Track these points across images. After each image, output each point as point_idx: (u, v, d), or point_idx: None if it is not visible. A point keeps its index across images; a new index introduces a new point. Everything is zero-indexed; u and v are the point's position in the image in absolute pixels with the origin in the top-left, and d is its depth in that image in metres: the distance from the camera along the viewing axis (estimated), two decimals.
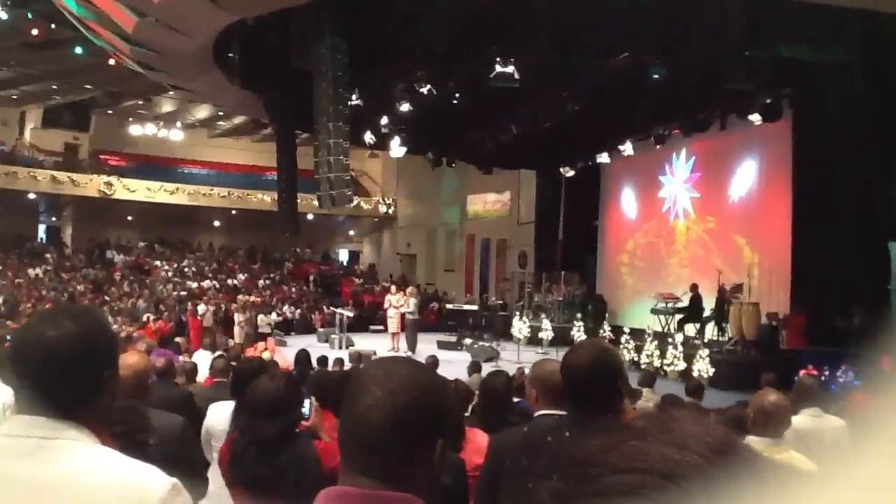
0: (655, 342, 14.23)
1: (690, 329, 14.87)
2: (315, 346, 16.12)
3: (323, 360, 10.14)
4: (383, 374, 1.26)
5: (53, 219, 29.57)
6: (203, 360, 9.46)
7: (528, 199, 23.14)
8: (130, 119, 29.25)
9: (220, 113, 26.70)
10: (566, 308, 18.81)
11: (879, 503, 0.51)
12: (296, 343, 16.76)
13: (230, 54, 12.86)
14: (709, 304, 14.72)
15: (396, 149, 17.14)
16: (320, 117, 10.78)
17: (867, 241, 11.46)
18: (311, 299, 26.29)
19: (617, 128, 16.36)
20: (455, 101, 14.10)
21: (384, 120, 15.54)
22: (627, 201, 19.96)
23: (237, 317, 19.90)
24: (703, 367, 12.68)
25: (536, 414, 2.64)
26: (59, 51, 19.97)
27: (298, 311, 24.35)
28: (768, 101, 13.06)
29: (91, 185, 26.31)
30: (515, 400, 4.92)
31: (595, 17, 10.27)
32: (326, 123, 10.62)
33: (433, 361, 10.02)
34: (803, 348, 12.12)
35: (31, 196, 26.20)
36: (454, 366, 10.85)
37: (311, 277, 29.02)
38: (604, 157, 17.72)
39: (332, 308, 22.07)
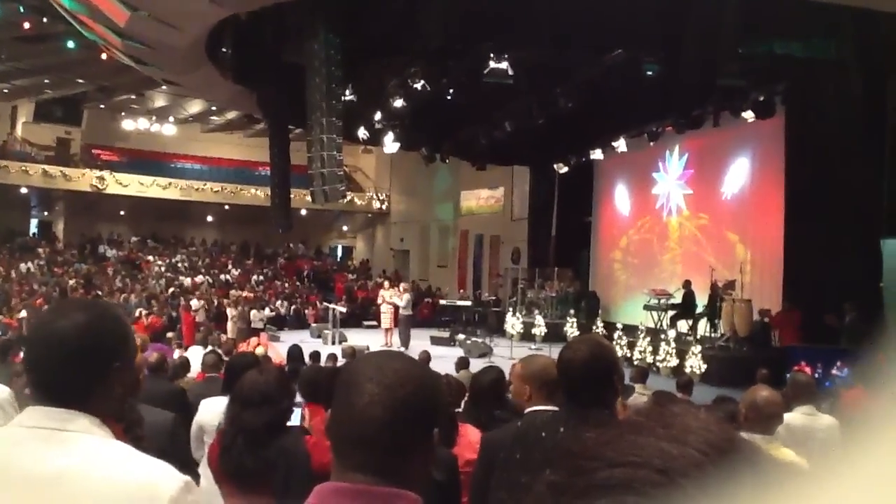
0: (648, 338, 14.26)
1: (683, 325, 14.91)
2: (308, 342, 16.11)
3: (315, 356, 10.13)
4: (377, 370, 1.26)
5: (45, 213, 29.47)
6: (195, 355, 9.43)
7: (521, 196, 23.14)
8: (123, 113, 29.13)
9: (213, 108, 26.60)
10: (559, 304, 18.84)
11: (874, 500, 0.51)
12: (289, 338, 16.75)
13: (223, 49, 12.80)
14: (701, 301, 14.76)
15: (390, 144, 17.12)
16: (313, 112, 10.74)
17: (859, 238, 11.49)
18: (305, 294, 26.26)
19: (610, 124, 16.38)
20: (449, 97, 14.08)
21: (378, 115, 15.51)
22: (621, 198, 19.98)
23: (230, 312, 19.86)
24: (695, 363, 12.72)
25: (528, 410, 2.64)
26: (50, 45, 19.87)
27: (293, 306, 24.32)
28: (761, 98, 13.09)
29: (83, 179, 26.22)
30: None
31: (589, 13, 10.26)
32: (320, 119, 10.58)
33: (425, 357, 10.01)
34: (796, 345, 12.15)
35: (23, 190, 26.09)
36: (446, 361, 10.85)
37: (305, 273, 28.99)
38: (597, 154, 17.73)
39: (325, 303, 22.05)
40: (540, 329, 16.92)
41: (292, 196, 15.89)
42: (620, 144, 16.67)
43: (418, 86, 12.48)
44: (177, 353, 10.48)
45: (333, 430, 1.26)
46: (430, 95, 13.03)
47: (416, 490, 1.23)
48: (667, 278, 17.09)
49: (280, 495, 2.75)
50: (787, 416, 4.31)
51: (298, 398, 3.91)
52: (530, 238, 21.90)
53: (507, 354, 14.73)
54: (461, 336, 17.49)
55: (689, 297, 15.03)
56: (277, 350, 14.72)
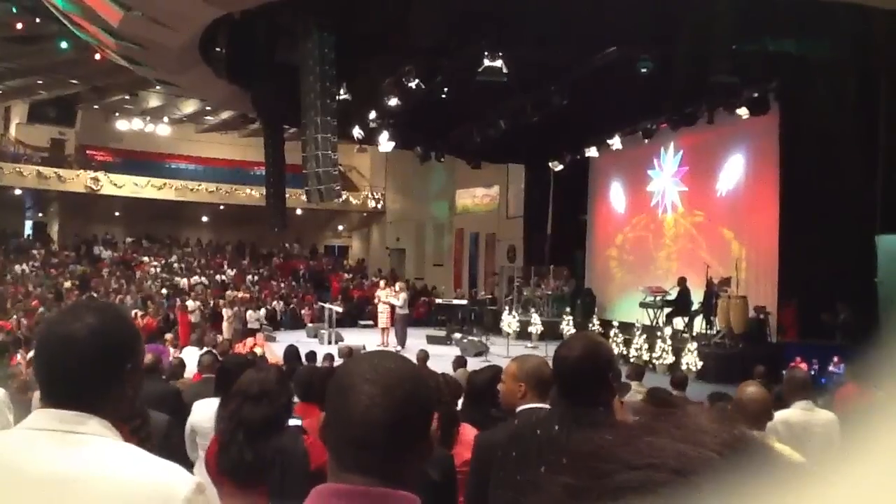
0: (644, 336, 14.29)
1: (679, 322, 14.93)
2: (304, 342, 16.09)
3: (311, 356, 10.11)
4: (372, 370, 1.26)
5: (40, 215, 29.39)
6: (191, 356, 9.42)
7: (516, 194, 23.15)
8: (117, 114, 29.08)
9: (208, 108, 26.55)
10: (555, 302, 18.85)
11: (880, 495, 0.51)
12: (285, 338, 16.73)
13: (217, 48, 12.78)
14: (697, 298, 14.78)
15: (385, 143, 17.10)
16: (308, 112, 10.73)
17: (854, 235, 11.53)
18: (300, 294, 26.23)
19: (605, 122, 16.40)
20: (443, 96, 14.08)
21: (372, 114, 15.49)
22: (616, 195, 20.00)
23: (225, 312, 19.83)
24: (691, 360, 12.74)
25: (520, 409, 2.65)
26: (43, 45, 19.80)
27: (289, 306, 24.29)
28: (755, 94, 13.11)
29: (77, 180, 26.16)
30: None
31: (583, 10, 10.26)
32: (314, 118, 10.58)
33: (423, 355, 10.02)
34: (792, 341, 12.19)
35: (17, 192, 26.01)
36: (443, 360, 10.84)
37: (300, 273, 28.96)
38: (592, 152, 17.73)
39: (321, 303, 22.03)
40: (536, 327, 16.94)
41: (287, 196, 15.89)
42: (615, 142, 16.69)
43: (413, 84, 12.47)
44: (174, 355, 10.47)
45: (330, 432, 1.26)
46: (424, 94, 13.01)
47: (413, 489, 1.24)
48: (662, 275, 17.11)
49: (277, 494, 2.75)
50: (785, 413, 4.32)
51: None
52: (526, 236, 21.92)
53: (503, 353, 14.72)
54: (457, 335, 17.48)
55: (684, 294, 15.05)
56: (273, 350, 14.73)
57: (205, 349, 10.03)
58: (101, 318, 1.42)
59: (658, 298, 15.63)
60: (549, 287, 19.25)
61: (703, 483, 0.51)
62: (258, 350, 13.44)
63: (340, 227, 33.99)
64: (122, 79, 21.04)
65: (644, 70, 11.63)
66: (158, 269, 26.84)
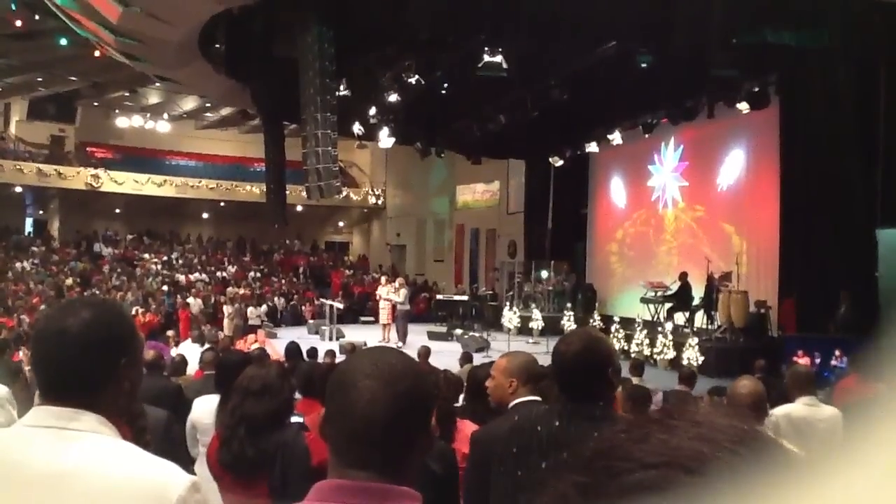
0: (645, 331, 14.28)
1: (680, 317, 14.92)
2: (305, 338, 16.09)
3: (313, 352, 10.11)
4: (373, 366, 1.26)
5: (40, 212, 29.37)
6: (191, 352, 9.43)
7: (516, 189, 23.14)
8: (117, 111, 29.05)
9: (208, 104, 26.53)
10: (556, 298, 18.84)
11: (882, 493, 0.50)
12: (286, 335, 16.73)
13: (216, 44, 12.77)
14: (698, 293, 14.76)
15: (385, 139, 17.08)
16: (308, 108, 10.72)
17: (854, 228, 11.51)
18: (301, 291, 26.25)
19: (605, 117, 16.37)
20: (443, 91, 14.06)
21: (372, 110, 15.48)
22: (616, 190, 19.99)
23: (226, 309, 19.85)
24: (692, 354, 12.74)
25: (513, 403, 2.66)
26: (43, 42, 19.77)
27: (291, 302, 24.30)
28: (755, 88, 13.08)
29: (78, 177, 26.15)
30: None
31: (582, 5, 10.25)
32: (314, 114, 10.57)
33: (424, 351, 10.02)
34: (792, 335, 12.18)
35: (18, 189, 26.00)
36: (445, 356, 10.86)
37: (301, 269, 28.97)
38: (592, 147, 17.70)
39: (322, 299, 22.04)
40: (537, 323, 16.93)
41: (288, 192, 15.88)
42: (615, 137, 16.66)
43: (412, 80, 12.46)
44: (174, 351, 10.47)
45: (331, 427, 1.26)
46: (424, 89, 13.00)
47: (413, 483, 1.24)
48: (663, 270, 17.10)
49: (278, 490, 2.76)
50: (788, 407, 4.31)
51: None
52: (526, 231, 21.90)
53: (504, 349, 14.69)
54: (458, 331, 17.49)
55: (685, 288, 15.04)
56: (274, 347, 14.73)
57: (206, 346, 10.03)
58: (96, 312, 1.42)
59: (659, 293, 15.62)
60: (550, 282, 19.24)
61: (719, 482, 0.51)
62: (256, 346, 13.43)
63: (341, 224, 33.98)
64: (122, 75, 21.02)
65: (644, 64, 11.62)
66: (159, 266, 26.83)
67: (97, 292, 22.40)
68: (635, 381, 7.74)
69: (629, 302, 17.26)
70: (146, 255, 27.68)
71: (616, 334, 14.66)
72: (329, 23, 10.48)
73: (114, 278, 24.70)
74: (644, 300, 15.88)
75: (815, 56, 11.23)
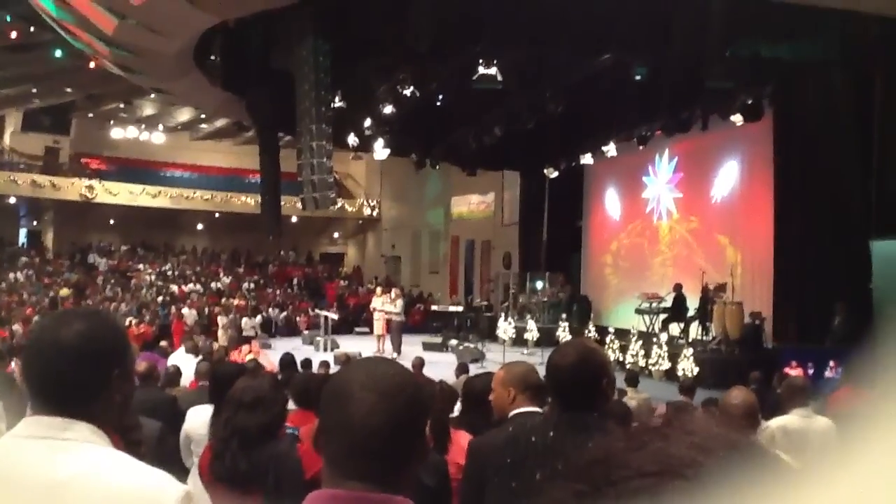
0: (640, 342, 14.29)
1: (675, 328, 14.94)
2: (300, 349, 16.06)
3: (307, 364, 10.08)
4: (369, 377, 1.26)
5: (34, 223, 29.29)
6: (185, 362, 9.38)
7: (512, 201, 23.17)
8: (111, 122, 29.03)
9: (202, 116, 26.52)
10: (551, 309, 18.84)
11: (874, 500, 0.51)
12: (281, 346, 16.71)
13: (211, 56, 12.79)
14: (692, 304, 14.79)
15: (380, 151, 17.11)
16: (303, 119, 10.73)
17: (849, 240, 11.55)
18: (296, 302, 26.20)
19: (600, 128, 16.41)
20: (438, 103, 14.10)
21: (367, 122, 15.51)
22: (611, 202, 20.03)
23: (220, 320, 19.79)
24: (687, 366, 12.74)
25: (512, 413, 2.66)
26: (37, 53, 19.76)
27: (284, 314, 24.25)
28: (749, 100, 13.13)
29: (72, 188, 26.10)
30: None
31: (576, 17, 10.29)
32: (309, 125, 10.57)
33: (419, 362, 10.00)
34: (787, 346, 12.19)
35: (12, 200, 25.95)
36: (439, 367, 10.84)
37: (296, 280, 28.93)
38: (587, 158, 17.74)
39: (317, 310, 22.00)
40: (532, 334, 16.92)
41: (283, 203, 15.86)
42: (610, 149, 16.68)
43: (407, 91, 12.49)
44: (169, 362, 10.42)
45: (328, 439, 1.26)
46: (419, 101, 13.04)
47: (409, 494, 1.24)
48: (658, 282, 17.12)
49: (271, 502, 2.74)
50: (783, 419, 4.31)
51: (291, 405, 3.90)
52: (521, 243, 21.91)
53: (499, 360, 14.66)
54: (453, 342, 17.46)
55: (680, 300, 15.06)
56: (269, 358, 14.67)
57: (200, 357, 9.99)
58: (89, 324, 1.42)
59: (654, 304, 15.64)
60: (545, 294, 19.25)
61: (714, 490, 0.52)
62: (249, 357, 13.38)
63: (336, 235, 33.96)
64: (117, 87, 21.00)
65: (638, 77, 11.67)
66: (154, 277, 26.77)
67: (91, 304, 22.33)
68: (630, 391, 7.74)
69: (624, 313, 17.27)
70: (140, 267, 27.62)
71: (611, 345, 14.67)
72: (324, 35, 10.50)
73: (108, 289, 24.62)
74: (639, 311, 15.89)
75: (810, 68, 11.30)
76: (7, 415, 4.31)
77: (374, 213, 31.27)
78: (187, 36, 11.45)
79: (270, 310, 24.07)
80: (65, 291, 23.30)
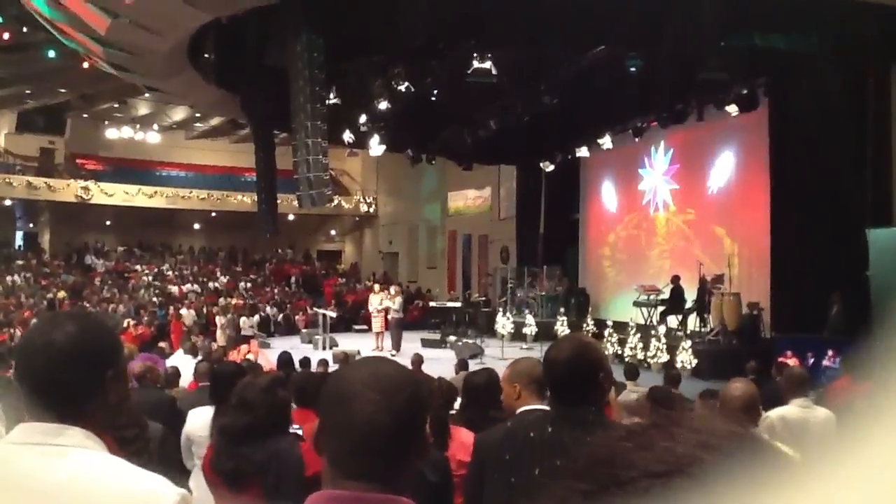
0: (638, 334, 14.30)
1: (673, 320, 14.95)
2: (299, 348, 16.08)
3: (305, 362, 10.08)
4: (371, 377, 1.25)
5: (31, 225, 29.25)
6: (184, 363, 9.38)
7: (508, 195, 23.16)
8: (106, 122, 28.98)
9: (198, 115, 26.49)
10: (549, 303, 18.84)
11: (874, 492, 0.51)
12: (279, 345, 16.68)
13: (205, 54, 12.75)
14: (690, 296, 14.80)
15: (376, 147, 17.09)
16: (298, 116, 10.71)
17: (845, 229, 11.56)
18: (294, 300, 26.19)
19: (595, 121, 16.40)
20: (433, 98, 14.07)
21: (363, 118, 15.48)
22: (608, 194, 20.03)
23: (219, 319, 19.78)
24: (685, 357, 12.76)
25: (519, 410, 2.65)
26: (31, 54, 19.72)
27: (282, 312, 24.24)
28: (744, 91, 13.13)
29: (68, 189, 26.07)
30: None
31: (571, 10, 10.27)
32: (304, 122, 10.55)
33: (418, 359, 10.00)
34: (785, 336, 12.20)
35: (7, 202, 25.92)
36: (439, 364, 10.85)
37: (293, 278, 28.92)
38: (583, 151, 17.74)
39: (315, 308, 22.00)
40: (531, 328, 16.93)
41: (279, 201, 15.85)
42: (606, 141, 16.69)
43: (402, 87, 12.46)
44: (168, 363, 10.42)
45: (329, 439, 1.25)
46: (414, 96, 13.02)
47: (410, 492, 1.24)
48: (655, 274, 17.14)
49: (272, 499, 2.75)
50: (783, 409, 4.32)
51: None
52: (518, 237, 21.91)
53: (498, 355, 14.73)
54: (452, 337, 17.47)
55: (677, 292, 15.07)
56: (268, 357, 14.67)
57: (199, 357, 9.99)
58: (82, 326, 1.42)
59: (651, 297, 15.65)
60: (543, 287, 19.25)
61: (722, 489, 0.51)
62: (250, 357, 13.38)
63: (333, 232, 33.95)
64: (111, 86, 20.98)
65: (633, 68, 11.65)
66: (151, 278, 26.74)
67: (88, 305, 22.31)
68: (630, 385, 7.74)
69: (622, 306, 17.29)
70: (138, 267, 27.59)
71: (609, 338, 14.67)
72: (318, 31, 10.48)
73: (105, 290, 24.59)
74: (637, 304, 15.91)
75: (804, 58, 11.29)
76: (7, 418, 4.30)
77: (371, 210, 31.25)
78: (180, 34, 11.42)
79: (268, 308, 24.06)
80: (62, 294, 23.27)
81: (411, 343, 16.32)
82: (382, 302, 16.98)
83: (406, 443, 1.23)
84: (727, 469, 0.53)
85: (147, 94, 21.15)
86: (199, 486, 3.09)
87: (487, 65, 11.37)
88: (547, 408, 2.63)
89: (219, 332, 19.11)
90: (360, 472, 1.20)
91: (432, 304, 22.53)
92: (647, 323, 15.21)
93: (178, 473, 3.51)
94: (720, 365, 11.95)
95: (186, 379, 7.87)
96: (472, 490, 2.66)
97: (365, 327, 20.02)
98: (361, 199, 31.24)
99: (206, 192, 28.43)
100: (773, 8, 9.98)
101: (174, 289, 25.54)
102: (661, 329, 14.02)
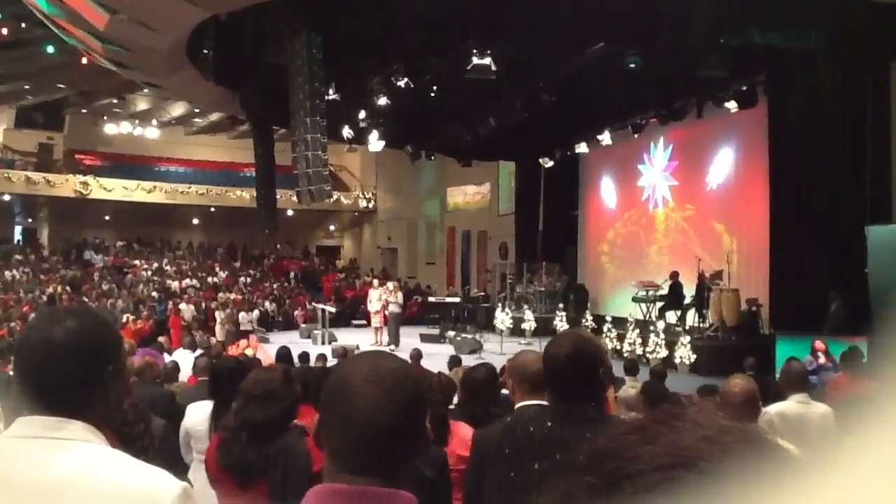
0: (637, 330, 14.30)
1: (671, 316, 14.96)
2: (298, 343, 16.08)
3: (304, 357, 10.09)
4: (373, 372, 1.26)
5: (29, 220, 29.22)
6: (183, 358, 9.39)
7: (507, 191, 23.15)
8: (105, 118, 28.92)
9: (196, 110, 26.45)
10: (548, 298, 18.85)
11: (874, 488, 0.51)
12: (278, 340, 16.71)
13: (204, 50, 12.74)
14: (689, 292, 14.81)
15: (375, 143, 17.08)
16: (297, 112, 10.71)
17: (844, 226, 11.56)
18: (293, 295, 26.20)
19: (594, 118, 16.40)
20: (432, 94, 14.07)
21: (362, 114, 15.48)
22: (607, 191, 20.03)
23: (218, 315, 19.78)
24: (684, 353, 12.78)
25: (518, 405, 2.66)
26: (29, 50, 19.70)
27: (281, 307, 24.24)
28: (743, 87, 13.14)
29: (66, 185, 26.03)
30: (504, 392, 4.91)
31: (570, 6, 10.27)
32: (303, 118, 10.55)
33: (417, 354, 10.01)
34: (783, 332, 12.21)
35: (6, 197, 25.87)
36: (437, 359, 10.84)
37: (292, 273, 28.92)
38: (582, 147, 17.73)
39: (314, 304, 22.01)
40: (529, 324, 16.94)
41: (278, 197, 15.86)
42: (605, 137, 16.69)
43: (401, 84, 12.46)
44: (167, 358, 10.43)
45: (330, 434, 1.26)
46: (413, 93, 13.02)
47: (410, 487, 1.24)
48: (654, 270, 17.15)
49: (278, 494, 2.75)
50: (781, 405, 4.33)
51: None
52: (517, 233, 21.91)
53: (497, 350, 14.75)
54: (451, 333, 17.49)
55: (676, 288, 15.09)
56: (267, 352, 14.68)
57: (199, 352, 9.99)
58: (81, 321, 1.42)
59: (650, 293, 15.66)
60: (542, 283, 19.26)
61: (727, 483, 0.52)
62: (249, 352, 13.40)
63: (332, 228, 33.94)
64: (110, 82, 20.94)
65: (632, 65, 11.65)
66: (150, 273, 26.73)
67: (87, 300, 22.30)
68: (629, 380, 7.76)
69: (621, 302, 17.30)
70: (136, 262, 27.57)
71: (608, 334, 14.69)
72: (317, 28, 10.47)
73: (104, 286, 24.58)
74: (636, 300, 15.92)
75: (803, 55, 11.29)
76: (6, 414, 4.31)
77: (370, 205, 31.23)
78: (179, 30, 11.40)
79: (267, 304, 24.07)
80: (61, 289, 23.25)
81: (410, 338, 16.34)
82: (382, 296, 16.99)
83: (407, 438, 1.24)
84: (731, 463, 0.53)
85: (146, 90, 21.11)
86: (198, 480, 3.10)
87: (487, 61, 11.37)
88: (545, 402, 2.64)
89: (218, 327, 19.12)
90: (361, 466, 1.21)
91: (431, 299, 22.55)
92: (646, 319, 15.23)
93: (179, 468, 3.52)
94: (719, 361, 11.98)
95: (185, 373, 7.88)
96: (472, 485, 2.67)
97: (364, 322, 20.03)
98: (360, 195, 31.23)
99: (205, 188, 28.41)
100: (772, 5, 9.98)
101: (173, 284, 25.52)
102: (660, 325, 14.04)
